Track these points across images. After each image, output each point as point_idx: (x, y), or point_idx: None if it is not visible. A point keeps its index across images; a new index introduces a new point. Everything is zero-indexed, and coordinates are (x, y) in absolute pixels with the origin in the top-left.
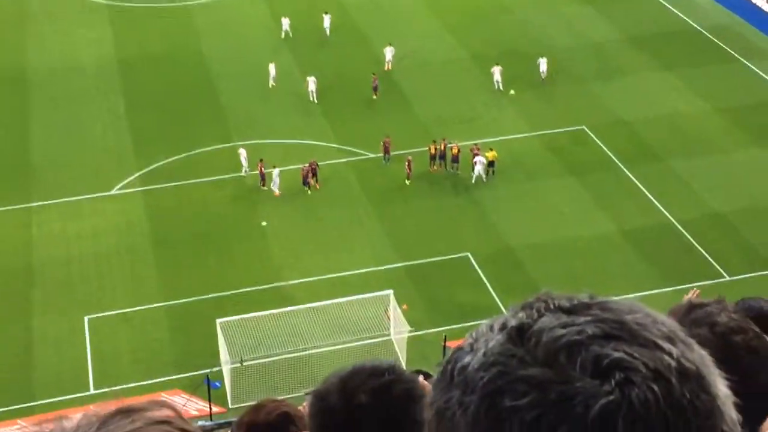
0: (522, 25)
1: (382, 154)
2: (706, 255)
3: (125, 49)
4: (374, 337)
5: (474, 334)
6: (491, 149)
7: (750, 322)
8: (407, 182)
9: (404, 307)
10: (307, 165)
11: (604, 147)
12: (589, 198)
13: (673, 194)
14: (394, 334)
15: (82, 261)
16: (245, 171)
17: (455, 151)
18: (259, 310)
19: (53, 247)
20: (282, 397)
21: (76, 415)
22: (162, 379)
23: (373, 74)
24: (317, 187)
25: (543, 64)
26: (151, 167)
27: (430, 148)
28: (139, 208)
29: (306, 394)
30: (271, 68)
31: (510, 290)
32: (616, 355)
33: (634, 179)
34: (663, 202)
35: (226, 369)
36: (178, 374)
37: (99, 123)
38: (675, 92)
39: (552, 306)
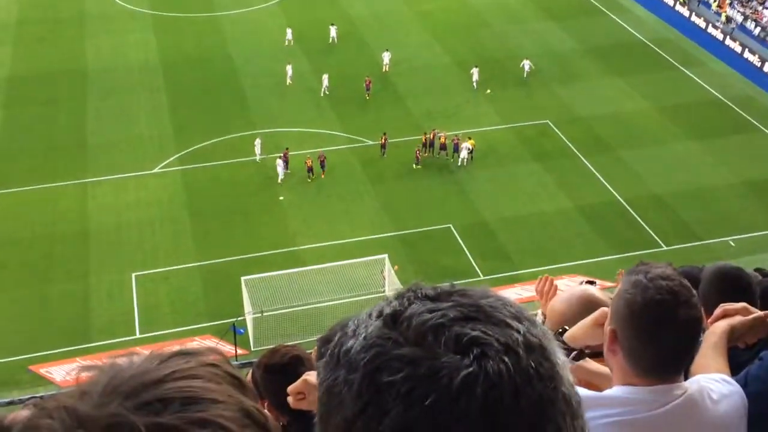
0: (498, 36)
1: (380, 149)
2: (647, 228)
3: (166, 51)
4: (371, 294)
5: (356, 321)
6: (469, 138)
7: (680, 276)
8: (415, 166)
9: (395, 268)
10: (316, 154)
11: (564, 138)
12: (551, 180)
13: (621, 178)
14: (388, 291)
15: (129, 228)
16: (258, 157)
17: (442, 140)
18: (277, 270)
19: (106, 215)
20: (294, 343)
21: (144, 351)
22: (196, 326)
23: (367, 77)
24: (322, 176)
25: (527, 65)
26: (188, 150)
27: (422, 137)
28: (177, 184)
29: (317, 339)
30: (288, 69)
31: (485, 256)
32: (473, 333)
33: (588, 165)
34: (612, 184)
35: (249, 318)
36: (209, 322)
37: (144, 112)
38: (623, 94)
39: (420, 295)
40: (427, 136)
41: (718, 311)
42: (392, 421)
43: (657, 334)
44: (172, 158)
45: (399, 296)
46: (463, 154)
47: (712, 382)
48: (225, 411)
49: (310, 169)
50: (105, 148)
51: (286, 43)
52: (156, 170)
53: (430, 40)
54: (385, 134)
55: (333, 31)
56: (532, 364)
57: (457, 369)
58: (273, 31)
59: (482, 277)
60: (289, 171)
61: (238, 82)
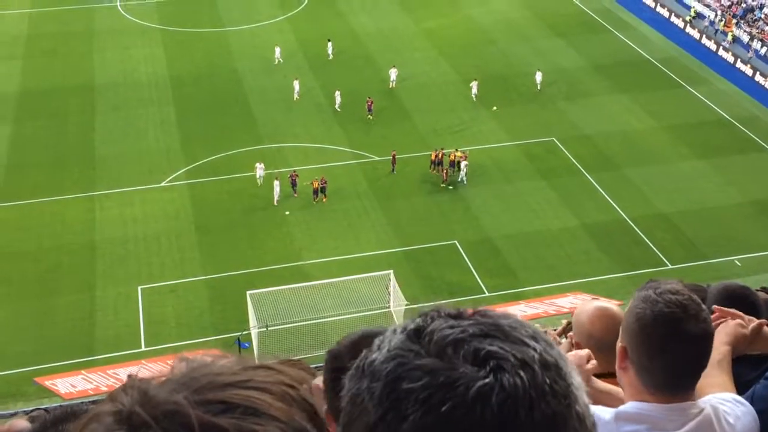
0: (504, 54)
1: (391, 165)
2: (653, 247)
3: (174, 66)
4: (376, 309)
5: (381, 338)
6: (457, 150)
7: (690, 291)
8: (443, 185)
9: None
10: (322, 174)
11: (570, 156)
12: (557, 197)
13: (626, 196)
14: (393, 307)
15: (136, 240)
16: (260, 181)
17: (452, 157)
18: (282, 285)
19: (113, 228)
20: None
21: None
22: (201, 339)
23: (369, 98)
24: (324, 200)
25: (539, 76)
26: (195, 164)
27: (431, 155)
28: (184, 198)
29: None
30: (296, 84)
31: (489, 273)
32: (491, 348)
33: (594, 183)
34: (618, 202)
35: (254, 332)
36: (214, 336)
37: (152, 126)
38: (629, 112)
39: (442, 314)
40: (436, 154)
41: (725, 311)
42: (410, 425)
43: (667, 348)
44: (179, 172)
45: (423, 314)
46: (463, 171)
47: (725, 403)
48: (281, 431)
49: (316, 191)
50: (113, 162)
51: (276, 62)
52: (163, 184)
53: (437, 57)
54: (394, 152)
55: (329, 47)
56: (547, 380)
57: (473, 379)
58: (281, 47)
59: (487, 294)
60: (296, 195)
61: (245, 97)
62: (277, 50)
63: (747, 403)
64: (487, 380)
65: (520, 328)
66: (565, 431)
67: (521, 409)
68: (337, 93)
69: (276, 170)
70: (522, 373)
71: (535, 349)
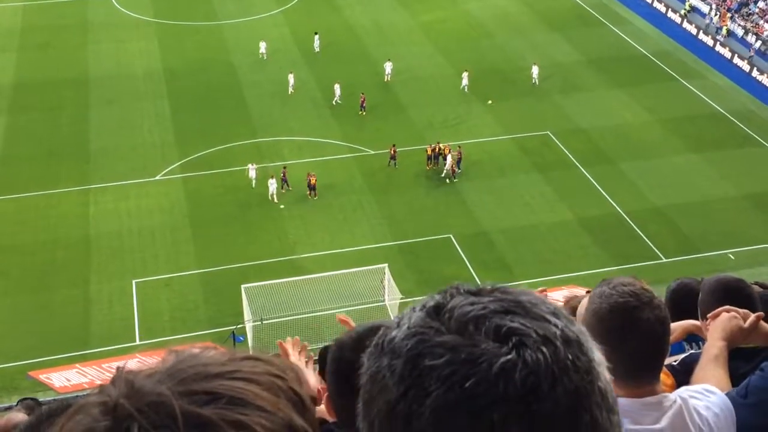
0: (500, 48)
1: (390, 159)
2: (647, 241)
3: (169, 60)
4: (371, 303)
5: (400, 315)
6: (439, 142)
7: (642, 283)
8: (454, 180)
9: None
10: (318, 169)
11: (565, 149)
12: (552, 191)
13: (621, 190)
14: (388, 300)
15: (131, 234)
16: (253, 183)
17: (446, 151)
18: (277, 278)
19: (107, 222)
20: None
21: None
22: (195, 333)
23: (362, 93)
24: (313, 196)
25: (535, 71)
26: (190, 158)
27: (427, 149)
28: (179, 191)
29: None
30: (290, 78)
31: (484, 266)
32: (513, 324)
33: (589, 177)
34: (612, 196)
35: (248, 326)
36: (209, 330)
37: (146, 120)
38: (624, 105)
39: (461, 290)
40: (432, 148)
41: (718, 310)
42: (433, 402)
43: (625, 336)
44: (173, 166)
45: (442, 291)
46: (447, 164)
47: (695, 394)
48: (267, 421)
49: (311, 186)
50: (107, 155)
51: (260, 56)
52: (158, 178)
53: (432, 51)
54: (394, 145)
55: (316, 41)
56: (569, 356)
57: (496, 356)
58: (276, 40)
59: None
60: (291, 188)
61: (240, 91)
62: (263, 45)
63: (718, 392)
64: (509, 356)
65: (540, 305)
66: (588, 406)
67: (544, 384)
68: (337, 86)
69: (271, 164)
70: (544, 349)
71: (556, 326)
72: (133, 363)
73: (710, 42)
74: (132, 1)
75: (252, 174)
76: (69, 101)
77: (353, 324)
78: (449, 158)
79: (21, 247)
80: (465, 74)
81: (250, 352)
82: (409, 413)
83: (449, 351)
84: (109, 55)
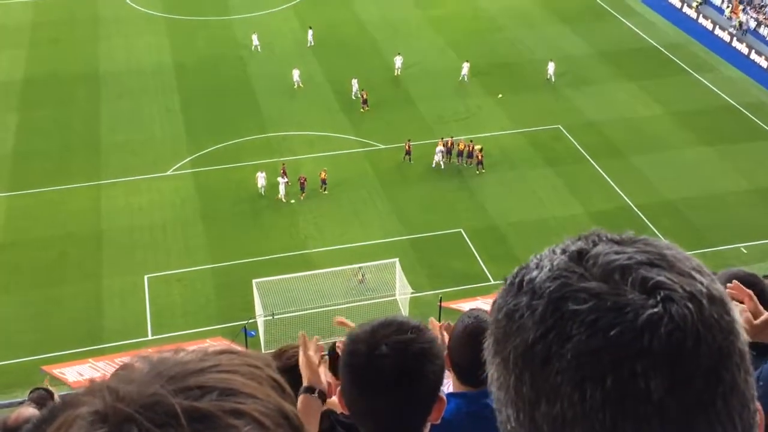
0: (510, 41)
1: (405, 154)
2: (659, 234)
3: (179, 55)
4: (382, 297)
5: (538, 256)
6: (448, 138)
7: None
8: (481, 170)
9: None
10: (330, 166)
11: (576, 143)
12: (563, 185)
13: (632, 183)
14: (399, 295)
15: (142, 229)
16: (262, 191)
17: (461, 146)
18: (288, 273)
19: (119, 217)
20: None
21: (190, 348)
22: (207, 328)
23: (363, 90)
24: (301, 198)
25: (551, 68)
26: (201, 153)
27: (439, 144)
28: (190, 186)
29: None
30: (295, 73)
31: (495, 260)
32: (660, 278)
33: (600, 170)
34: (623, 189)
35: (260, 321)
36: (221, 324)
37: (157, 115)
38: (635, 99)
39: (605, 238)
40: (444, 142)
41: (732, 284)
42: (575, 346)
43: (470, 346)
44: (184, 161)
45: (583, 237)
46: (437, 157)
47: None
48: (261, 407)
49: (324, 181)
50: (118, 151)
51: (253, 49)
52: (169, 173)
53: (443, 45)
54: (409, 140)
55: (310, 34)
56: (714, 315)
57: (642, 307)
58: (286, 35)
59: (493, 281)
60: (289, 182)
61: (250, 86)
62: (255, 38)
63: None
64: (656, 309)
65: (684, 261)
66: (729, 366)
67: (689, 341)
68: (354, 81)
69: (281, 159)
70: (690, 306)
71: (701, 283)
72: (84, 369)
73: (722, 34)
74: None
75: (261, 182)
76: (80, 97)
77: (351, 324)
78: (438, 153)
79: (33, 242)
80: (465, 65)
81: (222, 346)
82: (549, 355)
83: (594, 297)
84: (119, 50)
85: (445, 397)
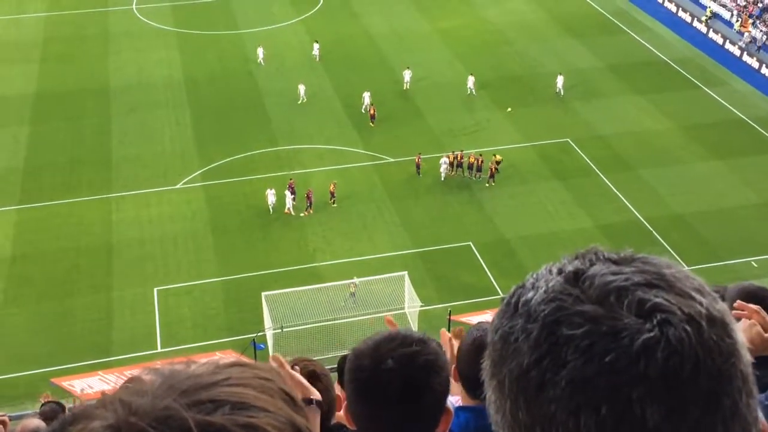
0: (519, 55)
1: (416, 168)
2: (668, 247)
3: (190, 68)
4: (391, 311)
5: (535, 276)
6: (494, 155)
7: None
8: (491, 183)
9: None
10: (339, 178)
11: (584, 156)
12: (571, 198)
13: (641, 197)
14: (408, 308)
15: (152, 242)
16: (272, 208)
17: (472, 159)
18: (297, 286)
19: (129, 230)
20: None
21: (201, 360)
22: (217, 341)
23: (372, 105)
24: (310, 212)
25: (560, 81)
26: (211, 166)
27: (449, 157)
28: (200, 199)
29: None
30: (301, 88)
31: (504, 274)
32: (657, 300)
33: (609, 183)
34: (633, 203)
35: (269, 334)
36: (230, 337)
37: (168, 129)
38: (644, 112)
39: (601, 257)
40: (455, 155)
41: (736, 304)
42: (569, 373)
43: (479, 360)
44: (194, 174)
45: (580, 256)
46: (442, 169)
47: None
48: (273, 420)
49: (333, 194)
50: (129, 164)
51: (259, 62)
52: (179, 186)
53: (451, 58)
54: (420, 154)
55: (316, 48)
56: (714, 337)
57: (639, 331)
58: (295, 48)
59: (502, 295)
60: (295, 202)
61: (260, 99)
62: (260, 51)
63: None
64: (652, 333)
65: (684, 280)
66: (729, 390)
67: (687, 365)
68: (366, 94)
69: (291, 172)
70: (688, 328)
71: (701, 303)
72: (94, 381)
73: (732, 48)
74: (153, 11)
75: (271, 200)
76: (91, 111)
77: (396, 325)
78: (443, 164)
79: (44, 254)
80: (471, 78)
81: (232, 359)
82: (543, 381)
83: (589, 321)
84: (130, 64)
85: (452, 409)
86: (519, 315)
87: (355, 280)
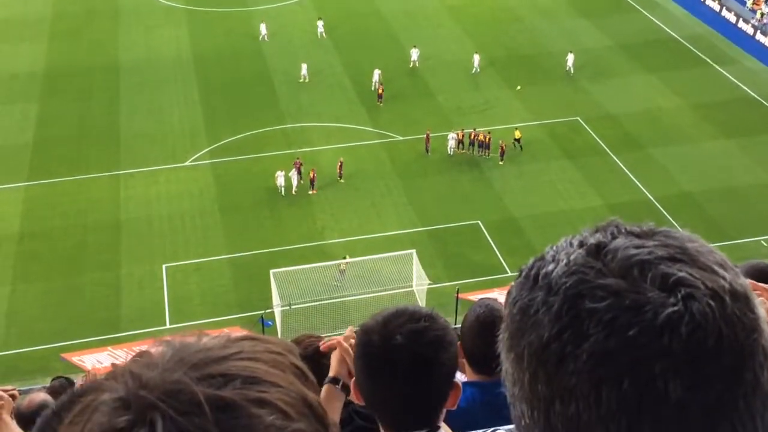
0: (530, 32)
1: (425, 146)
2: (677, 227)
3: (198, 46)
4: (399, 288)
5: (555, 248)
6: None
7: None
8: (501, 162)
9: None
10: (347, 156)
11: (594, 135)
12: (581, 177)
13: (651, 176)
14: (416, 286)
15: (161, 219)
16: (282, 190)
17: (481, 137)
18: (305, 263)
19: (137, 207)
20: (325, 335)
21: (212, 333)
22: (225, 317)
23: (381, 84)
24: (312, 192)
25: (570, 59)
26: (219, 143)
27: (458, 134)
28: (208, 177)
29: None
30: (303, 67)
31: (512, 253)
32: (681, 274)
33: (619, 163)
34: (642, 182)
35: (277, 311)
36: (238, 314)
37: (176, 106)
38: (655, 91)
39: (623, 230)
40: (464, 133)
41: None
42: (591, 346)
43: (483, 336)
44: (203, 151)
45: (601, 229)
46: (450, 144)
47: None
48: (285, 396)
49: (341, 170)
50: (137, 141)
51: (260, 38)
52: (187, 163)
53: (461, 35)
54: (428, 131)
55: (320, 26)
56: (737, 312)
57: (662, 305)
58: (304, 26)
59: (510, 273)
60: (302, 181)
61: (268, 77)
62: (263, 27)
63: None
64: (676, 308)
65: (707, 254)
66: (752, 365)
67: (710, 340)
68: (376, 71)
69: (299, 150)
70: (712, 303)
71: (724, 278)
72: (103, 357)
73: (744, 26)
74: None
75: (281, 182)
76: (99, 88)
77: (345, 346)
78: (451, 139)
79: (53, 231)
80: (476, 56)
81: (244, 333)
82: (564, 354)
83: (612, 295)
84: (139, 41)
85: (461, 384)
86: (539, 287)
87: (347, 259)
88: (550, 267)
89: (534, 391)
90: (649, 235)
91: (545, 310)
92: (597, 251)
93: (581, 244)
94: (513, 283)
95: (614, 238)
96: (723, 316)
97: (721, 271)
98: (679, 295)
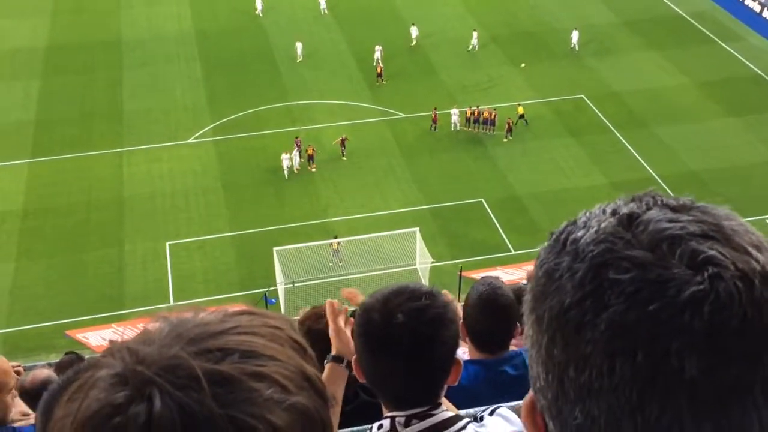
0: (533, 9)
1: (432, 123)
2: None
3: (202, 23)
4: (402, 266)
5: (587, 214)
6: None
7: (502, 282)
8: (505, 139)
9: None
10: (349, 132)
11: (599, 113)
12: (585, 155)
13: (656, 154)
14: (419, 264)
15: (164, 197)
16: (286, 173)
17: (486, 114)
18: (308, 241)
19: (140, 184)
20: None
21: (210, 308)
22: (228, 295)
23: (380, 64)
24: (312, 168)
25: (575, 36)
26: (222, 121)
27: (466, 112)
28: (211, 154)
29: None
30: (298, 46)
31: (516, 231)
32: (711, 252)
33: (623, 140)
34: (647, 160)
35: (280, 288)
36: (242, 292)
37: (179, 83)
38: (660, 68)
39: (659, 202)
40: (471, 111)
41: None
42: (610, 316)
43: (487, 314)
44: (206, 129)
45: (636, 199)
46: (453, 119)
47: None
48: (283, 369)
49: (343, 145)
50: (140, 118)
51: (257, 13)
52: (190, 140)
53: (463, 12)
54: (435, 108)
55: (323, 2)
56: (765, 296)
57: (687, 283)
58: (307, 2)
59: (513, 252)
60: (302, 160)
61: (271, 54)
62: (259, 2)
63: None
64: (702, 286)
65: (743, 234)
66: None
67: (733, 321)
68: (378, 48)
69: (303, 127)
70: (740, 285)
71: (757, 260)
72: (107, 334)
73: (750, 2)
74: None
75: (286, 164)
76: (102, 64)
77: (360, 298)
78: (453, 116)
79: (56, 208)
80: (474, 34)
81: (242, 308)
82: (583, 322)
83: (637, 267)
84: (141, 18)
85: (461, 361)
86: (566, 252)
87: (338, 239)
88: (580, 233)
89: (550, 355)
90: (685, 209)
91: (569, 276)
92: (629, 221)
93: (614, 213)
94: (542, 245)
95: (648, 209)
96: (750, 298)
97: (755, 253)
98: (706, 274)
